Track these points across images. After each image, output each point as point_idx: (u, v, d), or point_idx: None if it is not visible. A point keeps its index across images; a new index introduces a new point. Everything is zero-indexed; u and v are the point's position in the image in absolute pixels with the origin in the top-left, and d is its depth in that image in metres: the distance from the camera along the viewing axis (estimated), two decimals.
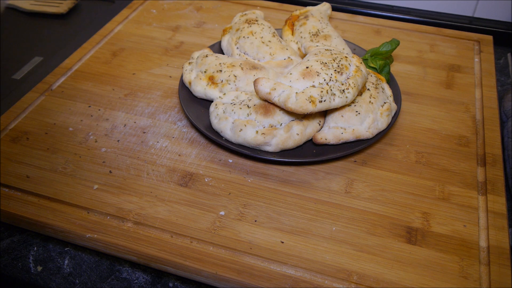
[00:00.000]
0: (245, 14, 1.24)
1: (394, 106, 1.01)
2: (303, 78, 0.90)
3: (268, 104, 0.93)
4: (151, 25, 1.40)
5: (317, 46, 1.10)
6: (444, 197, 0.90)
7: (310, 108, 0.86)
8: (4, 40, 1.45)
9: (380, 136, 0.96)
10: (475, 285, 0.76)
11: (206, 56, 1.09)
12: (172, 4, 1.50)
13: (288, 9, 1.49)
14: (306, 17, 1.23)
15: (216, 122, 0.96)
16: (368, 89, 0.98)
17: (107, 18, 1.42)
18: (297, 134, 0.91)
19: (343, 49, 1.14)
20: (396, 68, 1.23)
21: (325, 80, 0.90)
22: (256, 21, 1.20)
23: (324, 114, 0.98)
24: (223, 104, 0.98)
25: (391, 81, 1.11)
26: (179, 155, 0.98)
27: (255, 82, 0.90)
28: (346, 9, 1.54)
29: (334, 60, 0.94)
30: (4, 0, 1.61)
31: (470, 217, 0.86)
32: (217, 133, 0.96)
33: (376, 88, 1.00)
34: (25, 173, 0.93)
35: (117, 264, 0.86)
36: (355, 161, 0.97)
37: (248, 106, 0.94)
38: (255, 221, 0.85)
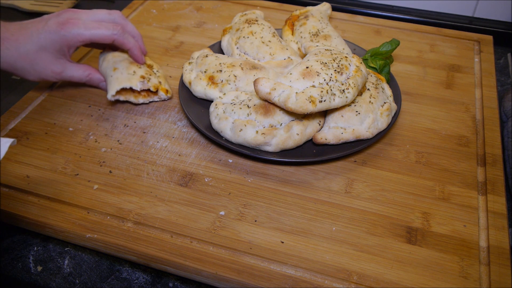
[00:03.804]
0: (245, 14, 1.24)
1: (394, 106, 1.01)
2: (303, 78, 0.90)
3: (268, 104, 0.93)
4: (151, 25, 1.40)
5: (317, 46, 1.10)
6: (444, 197, 0.90)
7: (310, 108, 0.86)
8: None
9: (380, 136, 0.96)
10: (475, 285, 0.76)
11: (206, 56, 1.09)
12: (172, 4, 1.50)
13: (288, 9, 1.49)
14: (306, 17, 1.23)
15: (216, 122, 0.96)
16: (368, 89, 0.98)
17: None
18: (297, 134, 0.91)
19: (343, 49, 1.14)
20: (396, 68, 1.23)
21: (325, 80, 0.90)
22: (256, 21, 1.20)
23: (324, 114, 0.98)
24: (223, 104, 0.98)
25: (391, 81, 1.11)
26: (179, 155, 0.98)
27: (255, 82, 0.90)
28: (346, 9, 1.54)
29: (334, 60, 0.94)
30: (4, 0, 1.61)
31: (470, 217, 0.86)
32: (217, 133, 0.96)
33: (376, 88, 1.00)
34: (25, 173, 0.93)
35: (117, 264, 0.86)
36: (355, 161, 0.97)
37: (248, 106, 0.94)
38: (255, 221, 0.85)
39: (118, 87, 1.03)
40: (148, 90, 1.08)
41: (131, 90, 1.07)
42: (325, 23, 1.22)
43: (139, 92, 1.08)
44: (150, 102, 1.10)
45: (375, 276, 0.77)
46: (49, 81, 1.16)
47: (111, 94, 1.04)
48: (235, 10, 1.48)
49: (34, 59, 0.97)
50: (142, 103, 1.10)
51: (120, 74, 1.06)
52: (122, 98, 1.07)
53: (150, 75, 1.08)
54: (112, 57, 1.10)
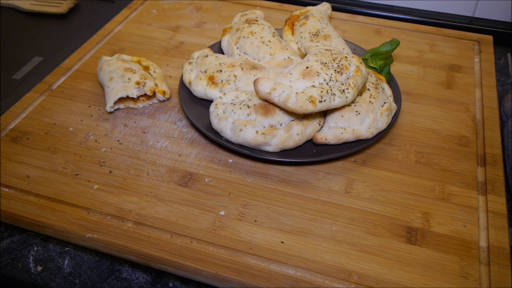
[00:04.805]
0: (245, 14, 1.24)
1: (394, 106, 1.01)
2: (303, 78, 0.90)
3: (268, 104, 0.93)
4: (151, 25, 1.40)
5: (317, 46, 1.10)
6: (444, 197, 0.90)
7: (310, 108, 0.86)
8: (4, 40, 1.45)
9: (380, 136, 0.96)
10: (475, 285, 0.76)
11: (206, 56, 1.09)
12: (172, 4, 1.50)
13: (288, 9, 1.49)
14: (306, 17, 1.23)
15: (216, 122, 0.96)
16: (368, 89, 0.98)
17: (107, 18, 1.42)
18: (297, 134, 0.91)
19: (343, 49, 1.14)
20: (396, 68, 1.23)
21: (325, 80, 0.90)
22: (256, 21, 1.20)
23: (324, 114, 0.98)
24: (223, 104, 0.98)
25: (391, 81, 1.11)
26: (179, 155, 0.98)
27: (255, 82, 0.90)
28: (346, 9, 1.54)
29: (334, 60, 0.94)
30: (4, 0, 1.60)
31: (470, 217, 0.86)
32: (217, 133, 0.96)
33: (376, 88, 1.00)
34: (25, 173, 0.93)
35: (117, 264, 0.86)
36: (355, 161, 0.97)
37: (248, 106, 0.94)
38: (255, 221, 0.85)
39: (115, 98, 1.04)
40: (146, 94, 1.08)
41: (128, 97, 1.07)
42: (325, 23, 1.22)
43: (137, 98, 1.08)
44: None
45: (375, 276, 0.76)
46: (49, 81, 1.16)
47: (109, 105, 1.05)
48: (235, 10, 1.48)
49: None
50: (143, 106, 1.10)
51: (116, 84, 1.06)
52: (122, 106, 1.08)
53: (145, 78, 1.08)
54: (107, 67, 1.11)
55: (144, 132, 1.03)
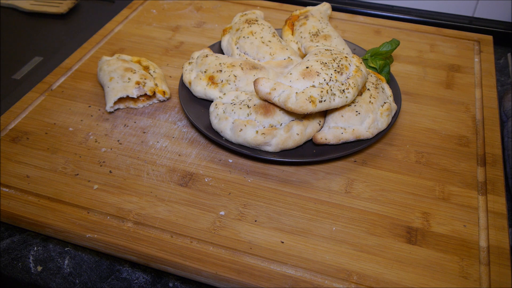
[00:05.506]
0: (245, 14, 1.24)
1: (394, 106, 1.01)
2: (303, 78, 0.90)
3: (268, 104, 0.93)
4: (151, 25, 1.40)
5: (317, 46, 1.10)
6: (444, 197, 0.90)
7: (310, 108, 0.86)
8: (4, 40, 1.45)
9: (380, 136, 0.96)
10: (475, 285, 0.76)
11: (206, 56, 1.09)
12: (172, 4, 1.50)
13: (288, 9, 1.49)
14: (306, 17, 1.23)
15: (216, 122, 0.96)
16: (368, 89, 0.98)
17: (107, 18, 1.42)
18: (297, 134, 0.91)
19: (343, 49, 1.14)
20: (396, 68, 1.23)
21: (325, 80, 0.90)
22: (256, 21, 1.20)
23: (324, 114, 0.98)
24: (223, 104, 0.98)
25: (391, 81, 1.11)
26: (179, 155, 0.98)
27: (255, 82, 0.90)
28: (346, 9, 1.54)
29: (334, 60, 0.94)
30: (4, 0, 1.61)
31: (470, 217, 0.86)
32: (217, 133, 0.96)
33: (376, 88, 1.00)
34: (25, 173, 0.93)
35: (117, 264, 0.86)
36: (355, 161, 0.97)
37: (248, 106, 0.94)
38: (255, 221, 0.85)
39: (115, 98, 1.04)
40: (146, 94, 1.08)
41: (128, 97, 1.07)
42: (325, 23, 1.22)
43: (137, 98, 1.08)
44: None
45: (375, 276, 0.76)
46: (49, 81, 1.16)
47: (109, 105, 1.05)
48: (235, 10, 1.48)
49: None
50: (143, 107, 1.10)
51: (116, 84, 1.06)
52: (122, 106, 1.08)
53: (145, 78, 1.08)
54: (107, 67, 1.11)
55: (144, 132, 1.03)
